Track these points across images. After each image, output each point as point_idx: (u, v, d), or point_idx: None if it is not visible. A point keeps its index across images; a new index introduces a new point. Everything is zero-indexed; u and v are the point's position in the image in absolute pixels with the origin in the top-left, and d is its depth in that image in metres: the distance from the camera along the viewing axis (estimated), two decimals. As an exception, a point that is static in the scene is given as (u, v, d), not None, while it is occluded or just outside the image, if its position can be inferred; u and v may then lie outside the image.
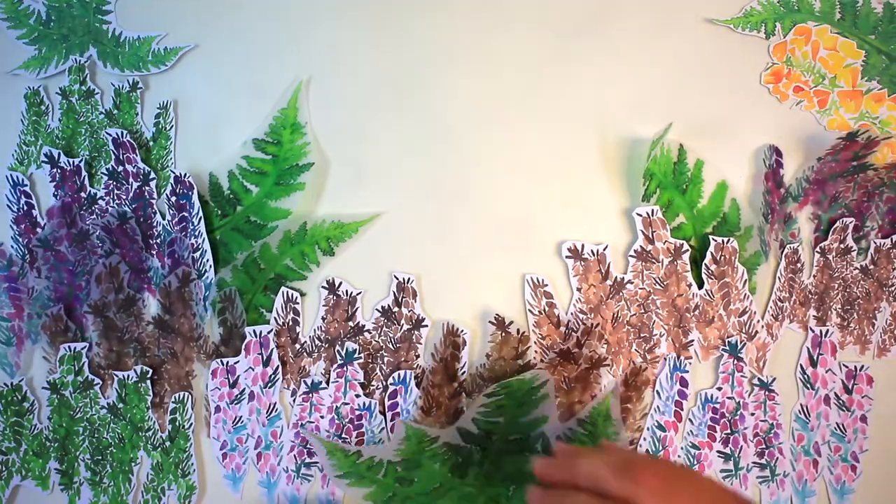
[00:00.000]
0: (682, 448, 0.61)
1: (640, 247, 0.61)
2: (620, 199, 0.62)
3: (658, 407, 0.61)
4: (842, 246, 0.61)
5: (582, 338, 0.61)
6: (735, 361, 0.61)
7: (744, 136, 0.62)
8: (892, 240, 0.61)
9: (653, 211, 0.61)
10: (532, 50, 0.62)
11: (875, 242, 0.61)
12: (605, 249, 0.61)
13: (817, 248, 0.61)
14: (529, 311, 0.61)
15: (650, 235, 0.61)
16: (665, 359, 0.61)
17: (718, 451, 0.61)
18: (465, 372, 0.62)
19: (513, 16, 0.62)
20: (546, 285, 0.62)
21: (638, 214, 0.61)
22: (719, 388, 0.61)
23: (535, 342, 0.61)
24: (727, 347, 0.61)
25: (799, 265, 0.61)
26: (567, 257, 0.61)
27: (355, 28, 0.63)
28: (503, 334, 0.62)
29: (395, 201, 0.63)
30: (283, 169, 0.63)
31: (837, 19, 0.60)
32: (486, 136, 0.62)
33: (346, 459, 0.61)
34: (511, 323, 0.62)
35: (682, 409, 0.61)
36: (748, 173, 0.62)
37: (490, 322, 0.61)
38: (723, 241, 0.60)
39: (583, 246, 0.61)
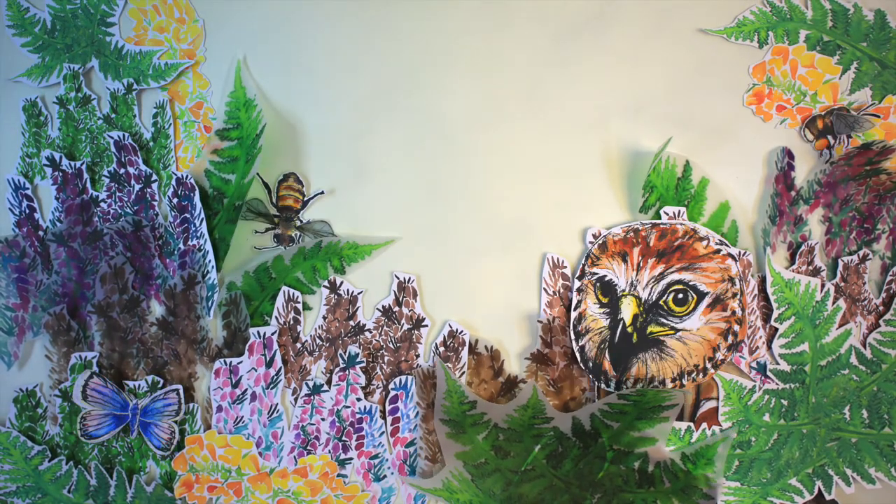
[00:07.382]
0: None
1: None
2: (619, 204, 0.63)
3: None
4: (810, 268, 0.62)
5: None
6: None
7: (742, 143, 0.63)
8: (858, 255, 0.62)
9: (678, 212, 0.61)
10: (531, 51, 0.62)
11: (842, 260, 0.62)
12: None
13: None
14: (544, 289, 0.62)
15: None
16: None
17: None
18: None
19: (513, 16, 0.62)
20: (565, 267, 0.62)
21: (665, 213, 0.61)
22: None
23: (543, 322, 0.62)
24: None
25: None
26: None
27: (355, 28, 0.63)
28: (475, 357, 0.63)
29: (395, 201, 0.64)
30: (248, 145, 0.64)
31: (829, 27, 0.60)
32: (487, 137, 0.63)
33: (459, 407, 0.59)
34: (477, 341, 0.63)
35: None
36: (747, 178, 0.63)
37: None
38: None
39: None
